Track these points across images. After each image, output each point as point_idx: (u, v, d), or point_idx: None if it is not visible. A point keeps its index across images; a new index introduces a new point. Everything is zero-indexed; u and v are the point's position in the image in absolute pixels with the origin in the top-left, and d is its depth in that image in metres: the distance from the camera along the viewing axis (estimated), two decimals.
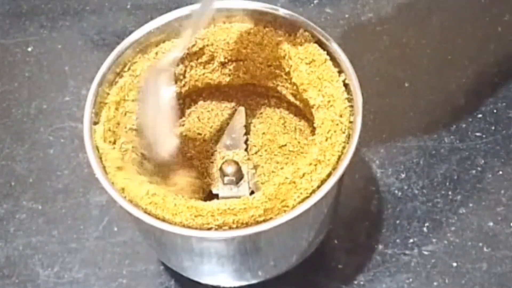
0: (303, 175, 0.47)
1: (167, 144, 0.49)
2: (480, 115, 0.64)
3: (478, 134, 0.63)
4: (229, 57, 0.54)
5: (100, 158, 0.49)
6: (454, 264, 0.57)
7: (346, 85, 0.51)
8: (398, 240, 0.58)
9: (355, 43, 0.68)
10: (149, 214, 0.46)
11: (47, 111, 0.66)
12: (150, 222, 0.45)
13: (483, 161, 0.61)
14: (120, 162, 0.49)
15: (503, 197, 0.60)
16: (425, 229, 0.58)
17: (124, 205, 0.46)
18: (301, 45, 0.52)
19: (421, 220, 0.59)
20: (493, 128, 0.63)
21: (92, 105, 0.49)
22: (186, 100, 0.56)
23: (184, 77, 0.54)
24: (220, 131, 0.56)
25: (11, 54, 0.70)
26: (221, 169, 0.52)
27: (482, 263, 0.57)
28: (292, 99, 0.54)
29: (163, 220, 0.46)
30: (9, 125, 0.66)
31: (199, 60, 0.54)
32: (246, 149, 0.55)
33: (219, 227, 0.47)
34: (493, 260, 0.57)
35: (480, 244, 0.58)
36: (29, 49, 0.70)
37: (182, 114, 0.56)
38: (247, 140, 0.55)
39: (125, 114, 0.51)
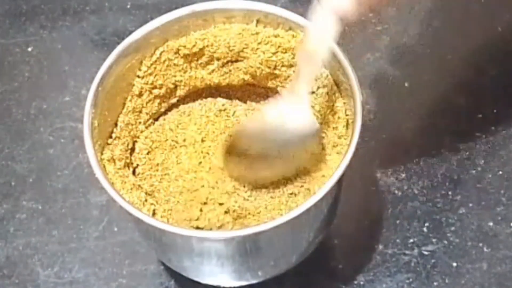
0: None
1: None
2: (480, 115, 0.64)
3: (478, 134, 0.63)
4: (229, 58, 0.54)
5: (100, 158, 0.49)
6: (454, 264, 0.57)
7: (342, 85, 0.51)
8: (398, 240, 0.58)
9: (355, 43, 0.68)
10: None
11: (47, 111, 0.66)
12: (150, 222, 0.45)
13: (483, 161, 0.61)
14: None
15: (503, 197, 0.60)
16: (425, 229, 0.58)
17: (124, 205, 0.46)
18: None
19: (421, 220, 0.59)
20: (493, 128, 0.63)
21: (92, 105, 0.49)
22: (186, 99, 0.56)
23: (184, 77, 0.55)
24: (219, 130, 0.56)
25: (11, 54, 0.70)
26: None
27: (482, 263, 0.57)
28: None
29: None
30: (9, 125, 0.66)
31: (199, 61, 0.54)
32: None
33: (219, 228, 0.47)
34: (493, 260, 0.57)
35: (480, 244, 0.58)
36: (29, 49, 0.70)
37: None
38: None
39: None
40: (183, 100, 0.56)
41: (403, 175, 0.61)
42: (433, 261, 0.57)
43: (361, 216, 0.59)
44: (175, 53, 0.53)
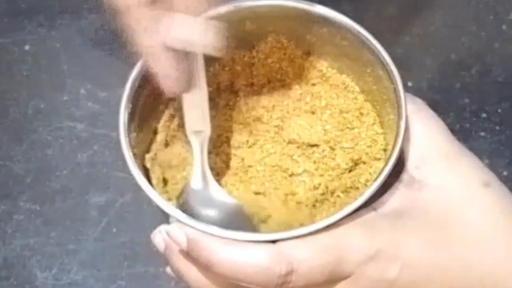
0: None
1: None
2: (484, 115, 0.63)
3: (482, 134, 0.62)
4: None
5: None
6: None
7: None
8: None
9: None
10: None
11: (45, 110, 0.66)
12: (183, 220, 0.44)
13: (487, 161, 0.61)
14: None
15: None
16: None
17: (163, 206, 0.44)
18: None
19: None
20: (497, 128, 0.63)
21: (129, 100, 0.47)
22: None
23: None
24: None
25: (9, 53, 0.70)
26: None
27: None
28: None
29: None
30: (7, 125, 0.66)
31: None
32: None
33: None
34: None
35: None
36: (27, 48, 0.70)
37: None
38: None
39: None
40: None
41: None
42: None
43: None
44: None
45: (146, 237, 0.58)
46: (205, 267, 0.41)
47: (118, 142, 0.60)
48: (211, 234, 0.42)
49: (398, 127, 0.44)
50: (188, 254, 0.41)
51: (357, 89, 0.50)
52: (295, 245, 0.40)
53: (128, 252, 0.58)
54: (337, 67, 0.51)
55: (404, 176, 0.43)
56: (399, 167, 0.44)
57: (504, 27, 0.68)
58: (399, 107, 0.45)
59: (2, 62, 0.69)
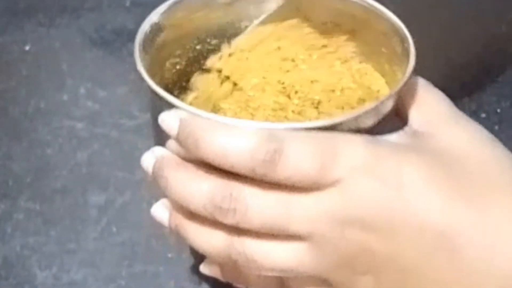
0: None
1: None
2: (483, 115, 0.63)
3: None
4: None
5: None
6: None
7: None
8: None
9: None
10: None
11: (45, 110, 0.66)
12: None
13: None
14: None
15: None
16: None
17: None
18: None
19: None
20: (496, 128, 0.63)
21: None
22: None
23: None
24: None
25: (8, 52, 0.70)
26: None
27: None
28: None
29: None
30: (6, 124, 0.65)
31: None
32: None
33: None
34: None
35: None
36: (27, 47, 0.70)
37: None
38: None
39: None
40: None
41: None
42: None
43: None
44: None
45: (146, 236, 0.58)
46: (194, 149, 0.39)
47: (118, 141, 0.60)
48: (206, 118, 0.40)
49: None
50: (179, 143, 0.40)
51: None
52: (289, 131, 0.38)
53: (128, 251, 0.58)
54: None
55: (407, 129, 0.42)
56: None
57: (503, 27, 0.68)
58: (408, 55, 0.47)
59: (1, 61, 0.69)
